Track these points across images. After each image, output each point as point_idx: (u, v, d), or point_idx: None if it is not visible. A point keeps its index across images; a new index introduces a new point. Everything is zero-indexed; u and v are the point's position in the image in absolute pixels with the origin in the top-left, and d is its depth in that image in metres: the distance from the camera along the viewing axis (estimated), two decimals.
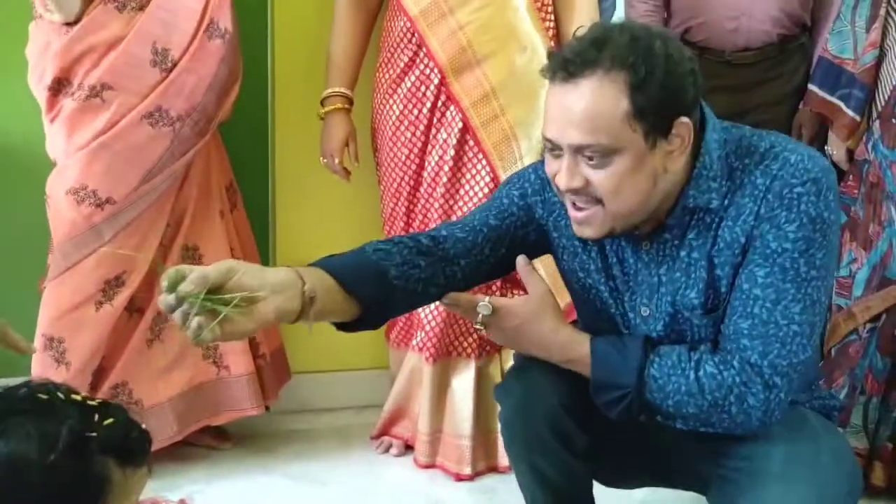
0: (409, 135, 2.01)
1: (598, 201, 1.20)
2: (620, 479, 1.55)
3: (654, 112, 1.16)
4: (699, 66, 2.27)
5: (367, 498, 1.97)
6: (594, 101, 1.15)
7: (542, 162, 1.36)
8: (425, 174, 2.03)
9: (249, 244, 2.19)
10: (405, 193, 2.06)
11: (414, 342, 2.13)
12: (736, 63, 2.25)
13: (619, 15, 2.43)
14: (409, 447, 2.20)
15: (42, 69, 1.84)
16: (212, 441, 2.18)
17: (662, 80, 1.15)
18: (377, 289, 1.23)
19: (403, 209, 2.07)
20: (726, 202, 1.23)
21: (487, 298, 1.30)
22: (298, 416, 2.38)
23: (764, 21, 2.21)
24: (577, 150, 1.18)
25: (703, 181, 1.23)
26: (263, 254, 2.29)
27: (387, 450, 2.22)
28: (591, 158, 1.17)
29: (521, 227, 1.39)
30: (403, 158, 2.04)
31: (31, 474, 0.75)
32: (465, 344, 2.09)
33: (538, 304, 1.31)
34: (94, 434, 0.79)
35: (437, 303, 1.34)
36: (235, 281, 1.04)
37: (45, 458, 0.75)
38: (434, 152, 2.01)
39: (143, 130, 1.86)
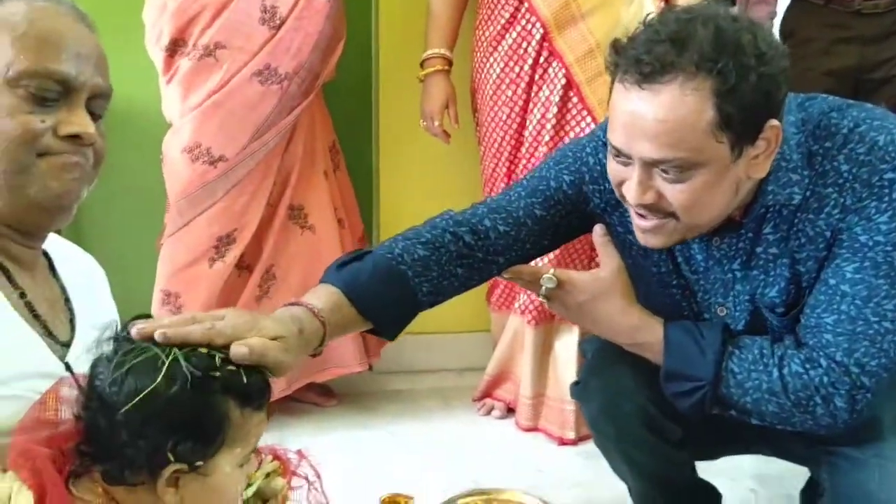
0: (510, 93, 1.98)
1: (671, 215, 1.10)
2: (706, 454, 1.49)
3: (742, 120, 1.02)
4: (823, 17, 2.16)
5: (469, 459, 1.98)
6: (674, 111, 1.01)
7: (601, 141, 1.24)
8: (527, 133, 1.99)
9: (351, 205, 2.22)
10: (506, 154, 2.03)
11: (516, 305, 2.11)
12: (866, 13, 2.10)
13: None
14: (511, 410, 2.19)
15: (159, 30, 1.91)
16: (317, 398, 2.23)
17: (755, 84, 1.01)
18: (400, 312, 1.16)
19: (504, 170, 2.04)
20: (808, 193, 1.11)
21: (552, 270, 1.22)
22: (401, 377, 2.41)
23: None
24: (652, 164, 1.05)
25: (783, 174, 1.11)
26: (366, 214, 2.32)
27: (489, 412, 2.22)
28: (666, 172, 1.05)
29: (567, 214, 1.26)
30: (504, 118, 2.01)
31: (157, 404, 0.79)
32: None
33: (609, 282, 1.22)
34: (217, 374, 0.83)
35: (499, 276, 1.26)
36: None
37: (170, 389, 0.79)
38: (536, 110, 1.97)
39: (254, 88, 1.90)
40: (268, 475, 0.97)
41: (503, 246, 1.23)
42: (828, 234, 1.11)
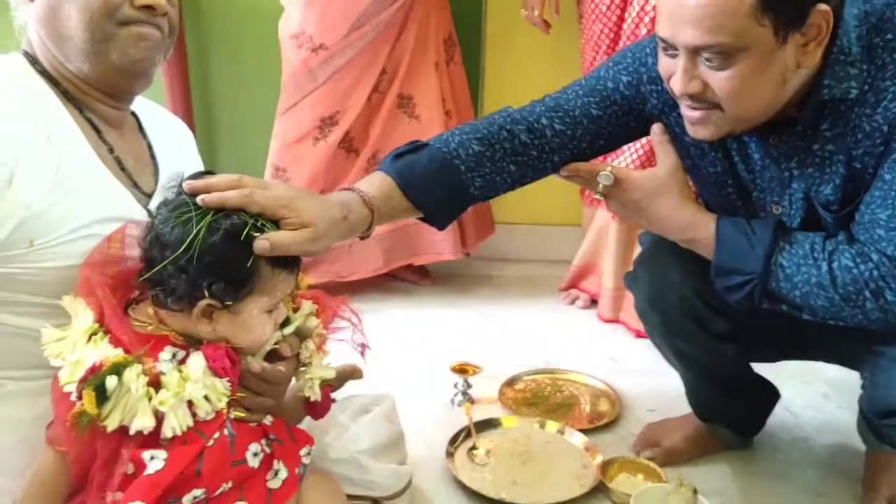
0: None
1: (717, 106, 1.08)
2: (761, 356, 1.49)
3: (786, 2, 1.00)
4: None
5: (549, 343, 2.07)
6: None
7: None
8: (625, 27, 1.97)
9: (463, 97, 2.27)
10: (604, 47, 2.02)
11: None
12: None
13: None
14: (594, 301, 2.26)
15: None
16: (414, 277, 2.39)
17: None
18: (451, 205, 1.20)
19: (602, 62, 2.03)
20: (866, 87, 1.06)
21: (609, 168, 1.23)
22: (494, 264, 2.53)
23: None
24: (695, 51, 1.04)
25: (841, 67, 1.06)
26: (473, 105, 2.37)
27: (573, 302, 2.30)
28: (710, 60, 1.04)
29: (623, 115, 1.26)
30: (604, 10, 1.99)
31: (198, 251, 0.92)
32: None
33: (665, 179, 1.22)
34: (257, 235, 0.95)
35: (554, 175, 1.27)
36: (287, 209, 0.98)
37: (208, 241, 0.93)
38: (636, 2, 1.93)
39: None
40: (306, 316, 1.09)
41: (558, 144, 1.24)
42: (885, 128, 1.07)
